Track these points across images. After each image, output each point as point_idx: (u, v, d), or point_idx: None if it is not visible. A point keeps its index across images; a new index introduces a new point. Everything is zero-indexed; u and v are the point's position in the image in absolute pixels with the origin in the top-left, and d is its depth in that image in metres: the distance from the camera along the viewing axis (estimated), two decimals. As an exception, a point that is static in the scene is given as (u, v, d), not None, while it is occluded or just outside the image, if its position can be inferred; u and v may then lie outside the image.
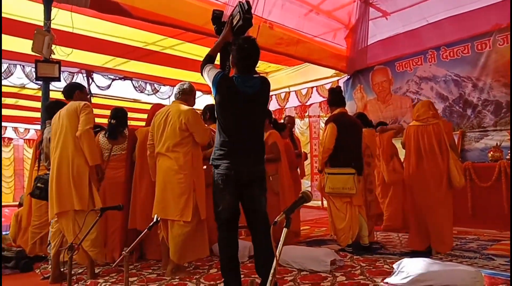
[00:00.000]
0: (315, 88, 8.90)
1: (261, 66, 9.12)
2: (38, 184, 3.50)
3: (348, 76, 8.23)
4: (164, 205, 3.19)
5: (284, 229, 1.56)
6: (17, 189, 12.40)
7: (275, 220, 1.57)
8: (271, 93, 9.56)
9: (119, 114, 4.11)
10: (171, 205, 3.17)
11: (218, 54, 2.98)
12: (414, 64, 6.93)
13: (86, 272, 3.32)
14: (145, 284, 2.97)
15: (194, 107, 3.52)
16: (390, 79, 7.38)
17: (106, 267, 3.51)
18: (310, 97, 9.03)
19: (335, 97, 4.27)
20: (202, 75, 2.88)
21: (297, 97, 9.32)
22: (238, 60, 2.71)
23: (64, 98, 3.88)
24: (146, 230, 2.40)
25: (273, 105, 9.80)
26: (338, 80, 8.51)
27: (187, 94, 3.44)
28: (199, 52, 7.05)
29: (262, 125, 2.88)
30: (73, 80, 8.49)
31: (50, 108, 3.93)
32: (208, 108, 4.44)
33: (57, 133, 3.29)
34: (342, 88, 8.06)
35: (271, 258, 2.65)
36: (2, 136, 12.55)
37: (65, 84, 8.11)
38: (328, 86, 8.66)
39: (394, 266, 2.78)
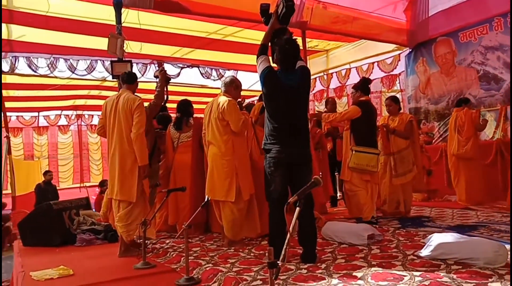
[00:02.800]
0: (376, 64, 8.75)
1: (320, 45, 9.17)
2: None
3: (410, 50, 8.00)
4: (212, 187, 3.65)
5: (297, 208, 1.89)
6: (105, 171, 13.91)
7: (289, 200, 1.91)
8: (332, 71, 9.63)
9: (182, 108, 4.65)
10: (217, 187, 3.63)
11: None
12: (479, 33, 6.58)
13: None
14: (205, 253, 3.49)
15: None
16: (454, 50, 7.08)
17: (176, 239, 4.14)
18: (371, 73, 8.90)
19: (366, 86, 4.67)
20: (256, 63, 3.26)
21: (358, 73, 9.24)
22: (280, 59, 3.13)
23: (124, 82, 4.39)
24: (200, 208, 2.88)
25: (334, 83, 9.83)
26: (399, 54, 8.30)
27: (227, 87, 3.81)
28: (257, 36, 7.32)
29: (306, 111, 3.25)
30: (147, 70, 9.34)
31: None
32: None
33: (115, 123, 3.62)
34: (404, 62, 8.02)
35: (313, 231, 3.04)
36: (90, 123, 14.07)
37: (140, 75, 8.93)
38: (389, 61, 8.49)
39: (426, 240, 2.97)
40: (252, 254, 3.41)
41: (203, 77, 10.03)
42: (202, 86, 10.71)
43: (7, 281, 6.09)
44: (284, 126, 3.05)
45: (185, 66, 9.52)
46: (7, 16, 6.21)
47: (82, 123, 13.82)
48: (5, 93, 9.02)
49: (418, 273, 2.54)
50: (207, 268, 2.98)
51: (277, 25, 3.26)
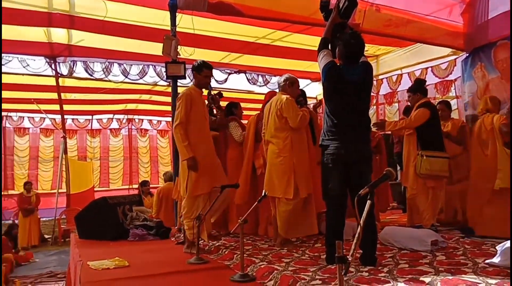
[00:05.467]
0: (430, 69, 8.41)
1: (370, 49, 8.95)
2: None
3: (467, 54, 7.61)
4: (271, 184, 3.62)
5: (368, 201, 1.78)
6: (153, 174, 14.29)
7: (359, 192, 1.81)
8: (382, 77, 9.40)
9: (228, 111, 4.74)
10: (275, 184, 3.59)
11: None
12: (544, 36, 6.14)
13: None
14: (257, 251, 3.43)
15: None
16: (516, 54, 6.65)
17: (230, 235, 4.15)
18: (425, 78, 8.54)
19: (423, 87, 4.53)
20: (317, 58, 3.22)
21: (410, 79, 8.91)
22: (344, 54, 3.06)
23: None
24: (256, 203, 2.83)
25: (384, 89, 9.55)
26: (455, 59, 7.94)
27: (283, 85, 3.81)
28: (306, 41, 7.31)
29: (368, 108, 3.18)
30: (196, 76, 9.52)
31: None
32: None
33: None
34: (461, 67, 7.65)
35: (374, 233, 2.91)
36: (140, 127, 14.54)
37: (189, 80, 9.17)
38: (444, 66, 8.13)
39: (497, 247, 2.74)
40: (306, 255, 3.32)
41: (250, 83, 10.10)
42: (249, 92, 10.78)
43: (62, 273, 6.36)
44: (344, 122, 2.97)
45: (233, 72, 9.63)
46: (68, 21, 6.54)
47: (133, 127, 14.29)
48: (63, 95, 9.50)
49: (493, 281, 2.34)
50: (262, 266, 2.92)
51: (338, 20, 3.23)
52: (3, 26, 6.57)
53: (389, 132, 5.79)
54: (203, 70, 3.75)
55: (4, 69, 7.98)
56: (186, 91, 3.69)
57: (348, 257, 1.71)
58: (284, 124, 3.61)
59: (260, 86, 10.15)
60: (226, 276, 2.83)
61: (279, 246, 3.63)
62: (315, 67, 8.81)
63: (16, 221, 8.92)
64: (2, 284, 3.42)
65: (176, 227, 4.83)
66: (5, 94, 9.99)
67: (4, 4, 6.03)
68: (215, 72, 9.68)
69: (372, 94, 9.80)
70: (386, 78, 9.39)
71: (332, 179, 2.98)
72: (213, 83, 9.64)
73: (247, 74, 9.93)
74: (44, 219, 9.79)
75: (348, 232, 3.82)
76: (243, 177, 4.20)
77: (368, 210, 1.82)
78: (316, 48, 3.33)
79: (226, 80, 9.67)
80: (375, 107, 9.75)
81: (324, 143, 3.04)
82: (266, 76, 10.06)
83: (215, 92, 4.77)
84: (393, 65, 9.11)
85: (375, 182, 1.86)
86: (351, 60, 3.05)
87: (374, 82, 9.63)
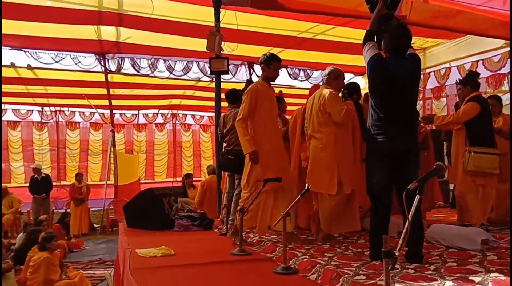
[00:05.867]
0: (480, 62, 8.01)
1: (417, 42, 8.64)
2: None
3: (523, 46, 7.17)
4: (314, 179, 3.55)
5: (417, 196, 1.74)
6: (196, 167, 14.62)
7: (408, 187, 1.77)
8: (429, 70, 9.06)
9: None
10: (318, 179, 3.54)
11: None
12: None
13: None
14: (299, 245, 3.44)
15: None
16: None
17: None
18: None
19: (475, 80, 4.26)
20: (362, 50, 3.16)
21: (459, 72, 8.53)
22: (391, 47, 2.99)
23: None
24: (299, 196, 2.84)
25: (431, 83, 9.21)
26: (509, 51, 7.50)
27: (327, 78, 3.70)
28: (350, 34, 7.17)
29: (415, 101, 3.09)
30: (237, 72, 9.62)
31: (229, 94, 4.70)
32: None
33: None
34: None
35: (421, 230, 2.83)
36: (183, 122, 14.90)
37: (231, 76, 9.26)
38: (497, 59, 7.70)
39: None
40: (349, 251, 3.29)
41: (291, 77, 10.07)
42: (290, 87, 10.74)
43: (110, 261, 6.68)
44: (390, 116, 2.89)
45: (274, 67, 9.63)
46: (117, 19, 6.80)
47: (177, 122, 14.69)
48: (111, 91, 9.92)
49: (551, 284, 2.22)
50: (304, 260, 2.93)
51: (384, 11, 3.16)
52: (60, 25, 6.99)
53: (437, 127, 5.56)
54: (272, 63, 3.65)
55: (57, 66, 8.46)
56: (253, 85, 3.66)
57: (395, 252, 1.68)
58: (327, 119, 3.54)
59: (301, 80, 10.10)
60: (269, 268, 2.87)
61: (321, 241, 3.61)
62: (359, 60, 8.72)
63: (68, 210, 9.44)
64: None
65: (219, 219, 4.94)
66: (59, 89, 10.61)
67: (57, 4, 6.39)
68: (256, 68, 9.76)
69: (419, 88, 9.48)
70: (434, 71, 9.04)
71: (377, 175, 2.93)
72: (254, 78, 9.76)
73: (288, 69, 9.90)
74: (93, 209, 10.30)
75: (393, 229, 3.74)
76: (293, 169, 4.16)
77: (417, 206, 1.78)
78: (360, 41, 3.26)
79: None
80: (421, 101, 9.41)
81: (369, 138, 2.98)
82: (308, 71, 9.99)
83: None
84: (441, 58, 8.76)
85: (425, 176, 1.82)
86: (397, 52, 2.97)
87: (421, 76, 9.30)
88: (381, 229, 2.86)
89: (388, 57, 3.00)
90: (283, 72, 9.90)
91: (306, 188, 2.83)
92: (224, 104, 5.86)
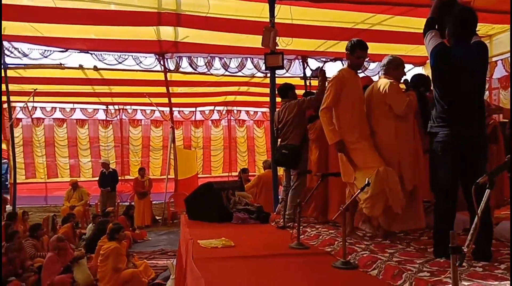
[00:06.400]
0: (557, 48, 7.35)
1: (483, 29, 8.10)
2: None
3: None
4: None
5: (487, 190, 1.66)
6: (250, 162, 14.80)
7: (477, 181, 1.69)
8: (496, 59, 8.48)
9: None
10: None
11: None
12: None
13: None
14: (359, 240, 3.39)
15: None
16: None
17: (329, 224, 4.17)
18: (550, 59, 7.51)
19: None
20: (424, 39, 3.03)
21: (529, 60, 7.91)
22: (455, 32, 2.82)
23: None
24: (359, 190, 2.80)
25: (498, 72, 8.59)
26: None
27: (386, 68, 3.53)
28: (409, 24, 6.89)
29: (482, 92, 2.89)
30: (291, 66, 9.60)
31: (282, 89, 4.73)
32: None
33: None
34: None
35: (490, 227, 2.68)
36: (238, 118, 15.13)
37: (285, 71, 9.24)
38: None
39: None
40: (412, 247, 3.18)
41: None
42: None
43: (172, 251, 6.99)
44: (456, 107, 2.74)
45: (328, 60, 9.49)
46: (174, 19, 7.05)
47: (231, 118, 14.98)
48: (170, 89, 10.33)
49: None
50: (364, 255, 2.88)
51: None
52: (120, 27, 7.38)
53: (507, 119, 5.20)
54: (356, 51, 3.46)
55: (121, 66, 8.95)
56: (338, 73, 3.49)
57: (463, 248, 1.62)
58: (387, 111, 3.39)
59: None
60: (327, 262, 2.86)
61: (381, 237, 3.52)
62: (418, 50, 8.37)
63: (132, 203, 9.98)
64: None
65: (275, 213, 4.99)
66: (122, 89, 11.22)
67: (120, 8, 6.75)
68: (310, 61, 9.67)
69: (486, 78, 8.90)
70: (501, 60, 8.44)
71: (442, 169, 2.79)
72: (308, 72, 9.68)
73: (343, 62, 9.71)
74: (155, 202, 10.80)
75: (458, 226, 3.56)
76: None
77: (487, 200, 1.69)
78: (420, 31, 3.12)
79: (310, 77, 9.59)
80: (487, 92, 8.83)
81: (433, 131, 2.84)
82: (364, 63, 9.71)
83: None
84: (509, 46, 8.14)
85: (496, 169, 1.72)
86: (462, 40, 2.80)
87: (488, 65, 8.73)
88: (447, 225, 2.74)
89: (452, 44, 2.84)
90: (338, 66, 9.77)
91: (366, 182, 2.77)
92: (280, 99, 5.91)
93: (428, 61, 3.19)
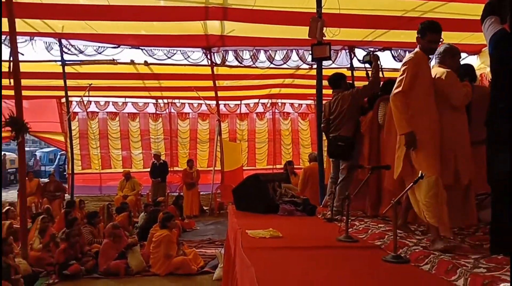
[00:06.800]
0: None
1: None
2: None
3: None
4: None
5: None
6: (294, 155, 14.75)
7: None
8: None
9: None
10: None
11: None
12: None
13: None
14: (410, 235, 3.31)
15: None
16: None
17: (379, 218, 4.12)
18: None
19: None
20: (482, 26, 2.88)
21: None
22: None
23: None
24: (411, 184, 2.73)
25: None
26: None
27: (442, 56, 3.34)
28: (464, 10, 6.55)
29: None
30: (338, 57, 9.44)
31: (333, 79, 4.67)
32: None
33: None
34: None
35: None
36: (282, 111, 15.11)
37: (331, 62, 9.08)
38: None
39: None
40: (466, 243, 3.07)
41: (395, 60, 9.54)
42: (394, 70, 10.16)
43: (219, 241, 7.17)
44: None
45: (376, 49, 9.22)
46: (221, 13, 7.15)
47: (276, 111, 14.99)
48: (217, 83, 10.52)
49: None
50: (416, 250, 2.81)
51: None
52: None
53: None
54: (426, 34, 3.14)
55: (169, 61, 9.23)
56: (415, 55, 3.15)
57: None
58: (443, 101, 3.18)
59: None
60: (377, 256, 2.83)
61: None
62: (473, 38, 7.91)
63: (181, 193, 10.31)
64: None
65: (321, 205, 4.98)
66: (171, 83, 11.56)
67: (169, 4, 6.94)
68: (358, 51, 9.45)
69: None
70: None
71: (500, 161, 2.65)
72: (355, 63, 9.47)
73: (392, 51, 9.43)
74: (202, 193, 11.09)
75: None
76: (392, 161, 3.79)
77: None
78: (477, 17, 2.97)
79: (365, 67, 9.34)
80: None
81: (493, 121, 2.70)
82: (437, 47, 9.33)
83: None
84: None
85: None
86: None
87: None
88: (504, 220, 2.61)
89: None
90: (386, 55, 9.48)
91: (419, 175, 2.69)
92: (326, 91, 5.84)
93: (484, 49, 3.02)
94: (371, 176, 3.50)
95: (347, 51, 9.45)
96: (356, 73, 9.24)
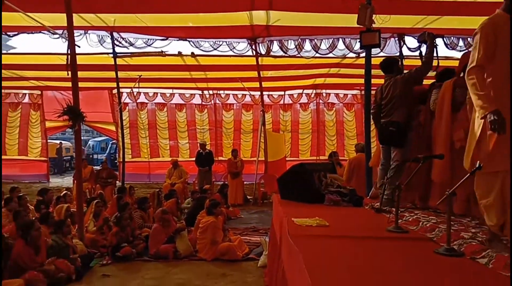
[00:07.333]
0: None
1: None
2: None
3: None
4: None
5: None
6: (339, 147, 14.51)
7: None
8: None
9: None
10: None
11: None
12: None
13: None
14: (464, 227, 3.18)
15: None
16: None
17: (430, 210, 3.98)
18: None
19: None
20: None
21: None
22: None
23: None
24: (468, 174, 2.61)
25: None
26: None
27: None
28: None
29: None
30: (386, 45, 9.13)
31: (386, 64, 4.55)
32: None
33: None
34: None
35: None
36: (327, 101, 14.86)
37: (379, 50, 8.81)
38: None
39: None
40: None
41: (448, 48, 9.09)
42: (446, 58, 9.71)
43: (263, 229, 7.24)
44: None
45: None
46: (267, 2, 7.12)
47: (320, 101, 14.78)
48: (261, 73, 10.53)
49: None
50: (473, 243, 2.70)
51: None
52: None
53: None
54: None
55: (215, 52, 9.34)
56: (489, 20, 2.62)
57: None
58: None
59: (460, 50, 9.03)
60: (429, 248, 2.74)
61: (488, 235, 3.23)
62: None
63: (226, 182, 10.50)
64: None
65: (368, 197, 4.89)
66: (216, 74, 11.71)
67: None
68: (408, 39, 9.09)
69: None
70: None
71: None
72: (405, 51, 9.12)
73: (445, 38, 8.96)
74: (246, 182, 11.22)
75: None
76: (442, 151, 3.69)
77: None
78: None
79: (419, 46, 8.95)
80: None
81: None
82: (468, 39, 8.87)
83: None
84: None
85: None
86: None
87: None
88: None
89: None
90: (439, 43, 9.01)
91: (477, 165, 2.56)
92: (375, 80, 5.69)
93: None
94: (423, 166, 3.39)
95: (396, 39, 9.12)
96: (405, 62, 8.92)
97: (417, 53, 8.81)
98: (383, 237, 3.08)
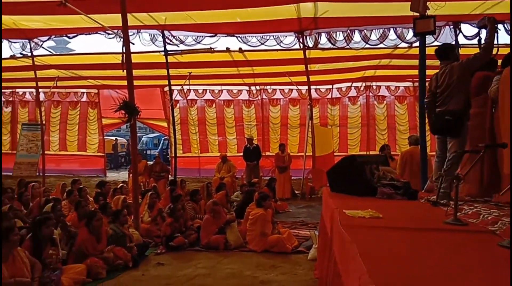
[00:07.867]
0: None
1: None
2: None
3: None
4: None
5: None
6: (390, 141, 13.99)
7: None
8: None
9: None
10: None
11: None
12: None
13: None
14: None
15: None
16: None
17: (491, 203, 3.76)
18: None
19: None
20: None
21: None
22: None
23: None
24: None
25: None
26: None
27: None
28: None
29: None
30: (441, 33, 8.71)
31: (441, 50, 4.37)
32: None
33: None
34: None
35: None
36: (377, 94, 14.45)
37: (433, 39, 8.44)
38: None
39: None
40: None
41: (508, 34, 8.50)
42: (507, 46, 9.08)
43: (312, 223, 7.21)
44: None
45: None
46: (315, -6, 7.05)
47: (370, 94, 14.38)
48: (309, 67, 10.43)
49: None
50: (540, 237, 2.52)
51: None
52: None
53: None
54: None
55: (263, 47, 9.37)
56: None
57: None
58: None
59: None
60: (491, 241, 2.59)
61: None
62: None
63: (274, 176, 10.54)
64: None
65: (423, 190, 4.70)
66: (263, 69, 11.76)
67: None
68: (464, 27, 8.61)
69: None
70: None
71: None
72: (461, 39, 8.65)
73: (505, 25, 8.39)
74: (293, 178, 11.20)
75: None
76: (506, 140, 3.45)
77: None
78: None
79: (477, 34, 8.44)
80: None
81: None
82: None
83: None
84: None
85: None
86: None
87: None
88: None
89: None
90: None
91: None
92: (429, 71, 5.45)
93: None
94: (485, 157, 3.21)
95: (451, 27, 8.67)
96: (461, 51, 8.46)
97: (474, 41, 8.43)
98: (441, 229, 2.96)
